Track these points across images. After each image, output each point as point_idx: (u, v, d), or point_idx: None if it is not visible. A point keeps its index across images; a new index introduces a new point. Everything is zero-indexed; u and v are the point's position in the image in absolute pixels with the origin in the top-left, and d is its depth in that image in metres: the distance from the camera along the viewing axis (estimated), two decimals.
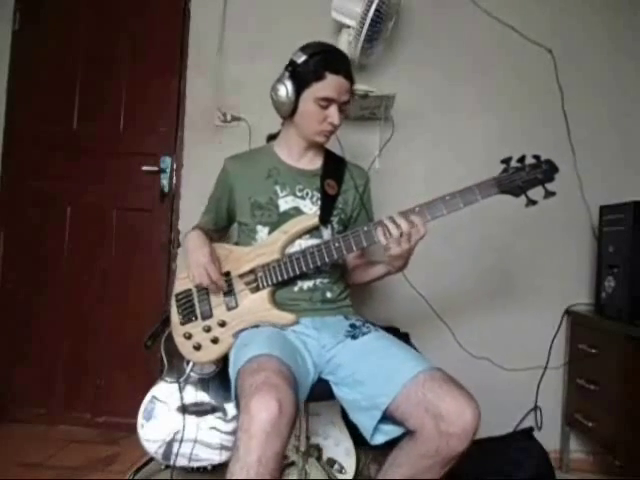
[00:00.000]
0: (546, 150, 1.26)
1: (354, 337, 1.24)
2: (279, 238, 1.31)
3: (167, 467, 1.70)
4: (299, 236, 1.33)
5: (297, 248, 1.32)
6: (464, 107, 2.09)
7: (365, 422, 1.14)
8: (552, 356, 2.02)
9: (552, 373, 2.02)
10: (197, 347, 1.32)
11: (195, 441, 1.60)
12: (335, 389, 1.22)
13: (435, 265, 1.97)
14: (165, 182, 2.18)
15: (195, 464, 1.61)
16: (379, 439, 1.13)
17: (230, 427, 1.60)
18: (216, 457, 1.60)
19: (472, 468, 1.02)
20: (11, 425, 2.15)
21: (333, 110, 1.30)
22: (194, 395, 1.64)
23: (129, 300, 2.19)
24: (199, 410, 1.63)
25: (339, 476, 1.64)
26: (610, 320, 1.77)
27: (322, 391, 1.22)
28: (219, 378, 1.64)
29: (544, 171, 1.21)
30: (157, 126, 2.19)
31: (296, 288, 1.32)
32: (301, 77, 1.28)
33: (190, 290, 1.35)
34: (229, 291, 1.32)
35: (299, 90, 1.29)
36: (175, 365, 1.66)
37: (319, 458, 1.61)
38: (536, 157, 1.22)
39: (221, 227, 1.50)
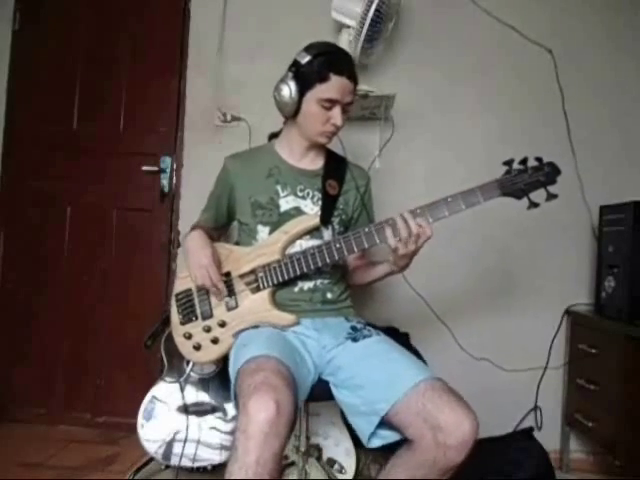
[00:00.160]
0: (546, 150, 1.26)
1: (355, 340, 1.24)
2: (280, 238, 1.31)
3: (167, 467, 1.70)
4: (300, 236, 1.32)
5: (298, 248, 1.31)
6: (464, 107, 2.09)
7: (363, 426, 1.14)
8: (552, 356, 2.02)
9: (552, 373, 2.02)
10: (197, 347, 1.32)
11: (195, 441, 1.60)
12: (335, 391, 1.21)
13: (435, 266, 1.96)
14: (165, 182, 2.18)
15: (195, 464, 1.61)
16: (375, 443, 1.13)
17: (230, 427, 1.60)
18: (216, 457, 1.60)
19: (472, 468, 1.01)
20: (11, 425, 2.15)
21: (336, 111, 1.29)
22: (194, 395, 1.64)
23: (129, 300, 2.19)
24: (199, 410, 1.63)
25: (339, 476, 1.64)
26: (610, 320, 1.76)
27: (322, 391, 1.22)
28: (219, 378, 1.64)
29: (546, 174, 1.21)
30: (157, 126, 2.19)
31: (296, 289, 1.32)
32: (305, 78, 1.27)
33: (190, 290, 1.35)
34: (229, 291, 1.31)
35: (302, 91, 1.28)
36: (175, 365, 1.66)
37: (319, 458, 1.62)
38: (538, 159, 1.22)
39: (221, 225, 1.50)
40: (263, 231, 1.35)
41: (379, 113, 1.97)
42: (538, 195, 1.22)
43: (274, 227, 1.33)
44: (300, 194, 1.36)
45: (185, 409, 1.61)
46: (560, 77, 2.04)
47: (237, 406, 1.03)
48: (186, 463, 1.60)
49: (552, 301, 2.03)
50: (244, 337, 1.26)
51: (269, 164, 1.39)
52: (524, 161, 1.21)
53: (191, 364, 1.65)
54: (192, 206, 1.51)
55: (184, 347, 1.35)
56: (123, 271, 2.20)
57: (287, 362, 1.08)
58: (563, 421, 2.02)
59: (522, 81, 2.07)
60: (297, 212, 1.35)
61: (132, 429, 1.64)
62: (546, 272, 2.05)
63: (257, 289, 1.30)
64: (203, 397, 1.64)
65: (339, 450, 1.67)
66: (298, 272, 1.27)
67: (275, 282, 1.28)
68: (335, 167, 1.42)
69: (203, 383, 1.65)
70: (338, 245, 1.25)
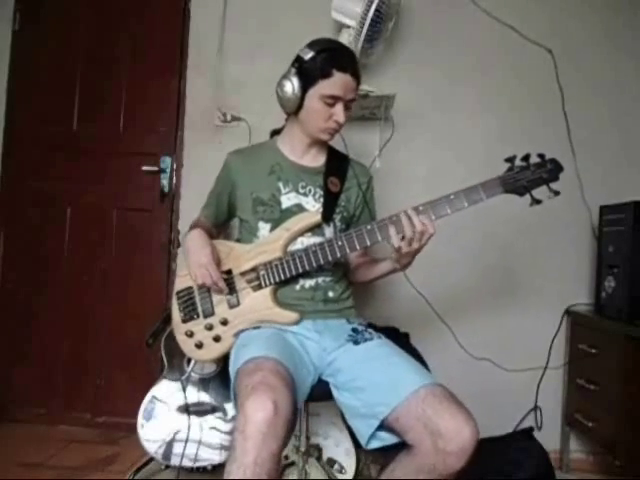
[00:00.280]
0: (546, 150, 1.25)
1: (356, 342, 1.23)
2: (281, 236, 1.30)
3: (167, 467, 1.70)
4: (301, 234, 1.32)
5: (299, 246, 1.31)
6: (464, 107, 2.09)
7: (362, 429, 1.13)
8: (552, 356, 2.02)
9: (552, 373, 2.02)
10: (199, 345, 1.32)
11: (195, 441, 1.60)
12: (335, 392, 1.21)
13: (436, 265, 1.96)
14: (165, 182, 2.18)
15: (195, 464, 1.61)
16: (374, 444, 1.13)
17: (230, 427, 1.60)
18: (216, 457, 1.60)
19: (472, 468, 1.01)
20: (11, 425, 2.15)
21: (339, 108, 1.29)
22: (194, 395, 1.64)
23: (129, 300, 2.19)
24: (199, 410, 1.63)
25: (339, 476, 1.64)
26: (610, 320, 1.76)
27: (322, 392, 1.22)
28: (219, 378, 1.64)
29: (549, 170, 1.20)
30: (157, 126, 2.19)
31: (298, 286, 1.31)
32: (308, 74, 1.27)
33: (191, 288, 1.34)
34: (231, 289, 1.31)
35: (305, 87, 1.27)
36: (175, 365, 1.66)
37: (319, 458, 1.62)
38: (541, 156, 1.21)
39: (221, 222, 1.49)
40: (264, 228, 1.34)
41: (379, 113, 1.97)
42: (540, 192, 1.22)
43: (275, 224, 1.33)
44: (302, 191, 1.36)
45: (186, 409, 1.61)
46: (560, 77, 2.05)
47: (236, 406, 1.03)
48: (186, 463, 1.60)
49: (552, 301, 2.03)
50: (244, 337, 1.26)
51: (271, 161, 1.38)
52: (526, 158, 1.21)
53: (192, 364, 1.65)
54: (192, 206, 1.51)
55: (186, 345, 1.35)
56: (123, 271, 2.20)
57: (286, 363, 1.08)
58: (563, 421, 2.02)
59: (522, 81, 2.07)
60: (298, 209, 1.34)
61: (132, 429, 1.64)
62: (546, 272, 2.05)
63: (259, 287, 1.30)
64: (203, 397, 1.64)
65: (339, 450, 1.67)
66: (300, 270, 1.26)
67: (277, 280, 1.28)
68: (337, 164, 1.42)
69: (203, 383, 1.65)
70: (340, 243, 1.24)
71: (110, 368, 2.18)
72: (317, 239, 1.31)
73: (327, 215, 1.33)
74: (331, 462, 1.65)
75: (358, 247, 1.24)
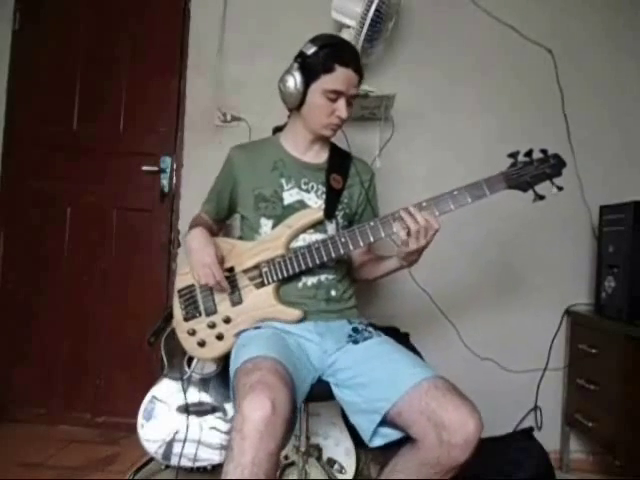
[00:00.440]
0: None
1: (355, 342, 1.23)
2: (283, 233, 1.30)
3: (167, 467, 1.70)
4: (303, 230, 1.31)
5: (301, 243, 1.31)
6: (464, 107, 2.09)
7: (364, 425, 1.13)
8: (552, 356, 2.02)
9: (552, 373, 2.02)
10: (201, 343, 1.32)
11: (195, 441, 1.60)
12: (335, 390, 1.21)
13: (438, 264, 1.96)
14: (165, 182, 2.18)
15: (195, 464, 1.61)
16: (377, 442, 1.13)
17: (230, 427, 1.60)
18: (216, 457, 1.61)
19: (472, 468, 1.01)
20: (11, 425, 2.15)
21: (341, 103, 1.28)
22: (195, 395, 1.64)
23: (129, 300, 2.19)
24: (200, 410, 1.63)
25: (339, 476, 1.64)
26: (610, 320, 1.76)
27: (322, 391, 1.22)
28: (219, 378, 1.64)
29: (552, 165, 1.20)
30: (157, 126, 2.19)
31: (300, 284, 1.30)
32: (310, 69, 1.26)
33: (193, 286, 1.34)
34: (233, 287, 1.30)
35: (308, 82, 1.27)
36: (175, 365, 1.66)
37: (319, 458, 1.62)
38: (543, 151, 1.21)
39: (222, 217, 1.48)
40: (266, 224, 1.34)
41: (379, 113, 1.97)
42: (542, 188, 1.21)
43: (277, 220, 1.32)
44: (304, 187, 1.35)
45: (186, 408, 1.61)
46: (560, 77, 2.05)
47: (235, 406, 1.03)
48: (186, 463, 1.60)
49: (552, 301, 2.03)
50: (244, 337, 1.25)
51: (274, 157, 1.38)
52: (529, 153, 1.21)
53: (193, 364, 1.65)
54: (192, 206, 1.51)
55: (188, 343, 1.34)
56: (123, 271, 2.20)
57: (285, 362, 1.08)
58: (563, 421, 2.02)
59: (522, 81, 2.07)
60: (301, 205, 1.34)
61: (132, 429, 1.64)
62: (546, 272, 2.05)
63: (261, 284, 1.29)
64: (203, 397, 1.64)
65: (339, 450, 1.67)
66: (303, 267, 1.25)
67: (280, 277, 1.27)
68: (339, 161, 1.41)
69: (203, 383, 1.65)
70: (343, 239, 1.24)
71: (110, 368, 2.18)
72: (319, 236, 1.31)
73: (329, 212, 1.33)
74: (331, 462, 1.65)
75: (361, 244, 1.24)
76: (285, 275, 1.27)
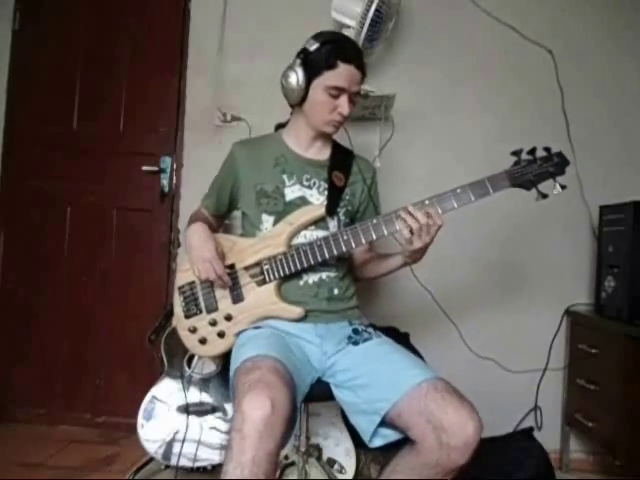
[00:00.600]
0: None
1: (355, 343, 1.23)
2: (285, 229, 1.29)
3: (167, 467, 1.70)
4: (305, 227, 1.31)
5: (302, 239, 1.30)
6: (464, 107, 2.09)
7: (364, 425, 1.13)
8: (552, 356, 2.02)
9: (552, 373, 2.02)
10: (203, 341, 1.31)
11: (195, 441, 1.60)
12: (335, 391, 1.21)
13: (438, 264, 1.96)
14: (165, 182, 2.18)
15: (195, 464, 1.61)
16: (377, 442, 1.13)
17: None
18: (216, 457, 1.60)
19: (472, 468, 1.01)
20: (11, 425, 2.15)
21: (343, 100, 1.28)
22: (195, 395, 1.64)
23: (129, 300, 2.19)
24: (200, 410, 1.63)
25: (339, 476, 1.64)
26: (610, 320, 1.76)
27: (322, 392, 1.22)
28: (219, 378, 1.64)
29: (556, 164, 1.20)
30: (157, 126, 2.19)
31: (301, 282, 1.29)
32: (313, 65, 1.26)
33: (194, 282, 1.33)
34: (234, 284, 1.30)
35: (310, 78, 1.27)
36: (175, 364, 1.66)
37: (319, 458, 1.62)
38: (547, 149, 1.21)
39: (222, 213, 1.47)
40: (268, 221, 1.33)
41: (379, 113, 1.97)
42: (544, 186, 1.21)
43: (279, 216, 1.32)
44: (306, 183, 1.35)
45: (186, 408, 1.61)
46: (560, 77, 2.05)
47: (234, 405, 1.03)
48: (186, 463, 1.60)
49: (552, 301, 2.03)
50: (244, 337, 1.25)
51: (276, 153, 1.37)
52: (533, 151, 1.20)
53: (193, 365, 1.65)
54: (192, 206, 1.50)
55: (189, 341, 1.34)
56: (123, 271, 2.20)
57: (285, 361, 1.08)
58: (563, 421, 2.02)
59: (522, 81, 2.07)
60: (302, 202, 1.33)
61: (132, 429, 1.63)
62: (546, 272, 2.05)
63: (263, 282, 1.28)
64: (203, 397, 1.64)
65: (339, 450, 1.67)
66: (305, 264, 1.25)
67: (282, 274, 1.26)
68: (342, 159, 1.41)
69: (203, 383, 1.65)
70: (345, 237, 1.24)
71: (110, 368, 2.18)
72: (321, 233, 1.30)
73: (331, 208, 1.32)
74: (331, 462, 1.65)
75: (364, 241, 1.24)
76: (287, 272, 1.26)
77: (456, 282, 2.05)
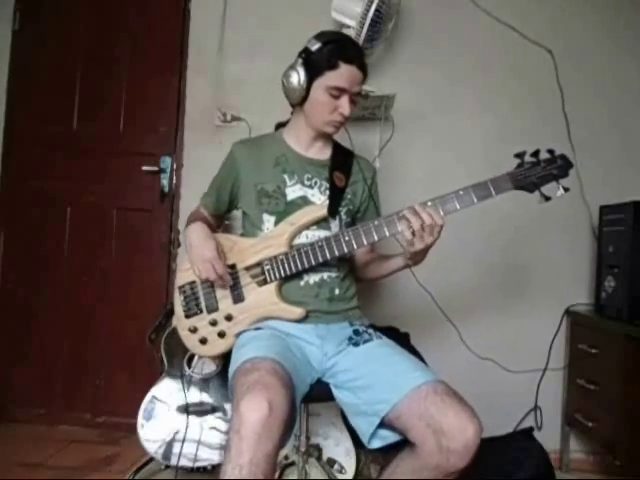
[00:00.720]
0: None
1: (356, 344, 1.23)
2: (286, 230, 1.29)
3: (167, 467, 1.70)
4: (306, 227, 1.30)
5: (304, 239, 1.30)
6: (464, 107, 2.09)
7: (363, 427, 1.13)
8: (552, 356, 2.02)
9: (552, 373, 2.02)
10: (203, 341, 1.31)
11: (196, 441, 1.60)
12: (335, 392, 1.21)
13: (439, 264, 1.95)
14: (165, 182, 2.18)
15: (195, 464, 1.61)
16: (376, 444, 1.13)
17: None
18: (216, 457, 1.60)
19: (472, 468, 1.01)
20: (11, 425, 2.15)
21: (344, 100, 1.28)
22: (195, 395, 1.64)
23: (129, 300, 2.19)
24: (200, 410, 1.63)
25: (339, 476, 1.64)
26: (610, 320, 1.76)
27: (322, 392, 1.22)
28: (219, 378, 1.64)
29: (559, 166, 1.19)
30: (157, 126, 2.19)
31: (302, 282, 1.29)
32: (314, 65, 1.26)
33: (194, 282, 1.33)
34: (235, 284, 1.29)
35: (311, 78, 1.26)
36: (175, 364, 1.66)
37: (319, 458, 1.61)
38: (550, 151, 1.20)
39: (221, 212, 1.46)
40: (269, 220, 1.33)
41: (379, 113, 1.97)
42: (547, 188, 1.21)
43: (280, 216, 1.31)
44: (307, 183, 1.34)
45: (186, 408, 1.61)
46: (560, 77, 2.05)
47: (233, 406, 1.03)
48: (186, 463, 1.60)
49: (552, 301, 2.03)
50: (244, 338, 1.25)
51: (276, 152, 1.37)
52: (536, 153, 1.20)
53: (193, 365, 1.65)
54: (192, 206, 1.50)
55: (189, 341, 1.33)
56: (123, 271, 2.20)
57: (284, 362, 1.08)
58: (563, 421, 2.01)
59: (522, 81, 2.07)
60: (303, 202, 1.33)
61: (132, 429, 1.63)
62: (546, 272, 2.05)
63: (264, 282, 1.28)
64: (203, 397, 1.64)
65: (339, 450, 1.67)
66: (306, 265, 1.24)
67: (282, 275, 1.26)
68: (342, 159, 1.41)
69: (204, 383, 1.65)
70: (347, 237, 1.23)
71: (110, 368, 2.18)
72: (322, 232, 1.30)
73: (333, 209, 1.32)
74: (331, 462, 1.65)
75: (365, 242, 1.23)
76: (288, 273, 1.26)
77: (456, 283, 2.05)
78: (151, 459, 1.70)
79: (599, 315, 1.86)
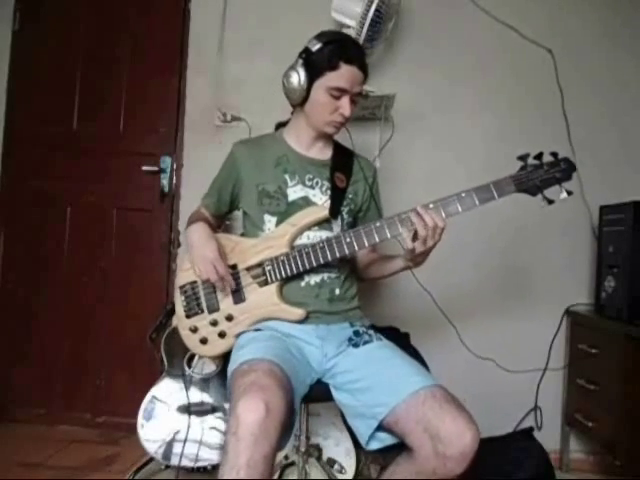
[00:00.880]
0: (546, 150, 1.26)
1: (356, 345, 1.23)
2: (287, 231, 1.29)
3: (167, 467, 1.70)
4: (308, 228, 1.30)
5: (306, 240, 1.30)
6: (464, 107, 2.09)
7: (361, 429, 1.13)
8: (552, 356, 2.02)
9: (552, 373, 2.02)
10: (204, 341, 1.31)
11: (195, 441, 1.60)
12: (334, 393, 1.21)
13: (439, 264, 1.96)
14: (165, 182, 2.18)
15: (195, 464, 1.61)
16: (374, 445, 1.13)
17: None
18: (216, 457, 1.60)
19: (472, 468, 1.01)
20: (11, 425, 2.15)
21: (345, 101, 1.27)
22: (195, 395, 1.64)
23: (129, 300, 2.19)
24: (200, 410, 1.63)
25: (339, 476, 1.64)
26: (610, 320, 1.76)
27: (322, 392, 1.22)
28: (219, 378, 1.64)
29: (562, 170, 1.19)
30: (157, 126, 2.19)
31: (303, 283, 1.29)
32: (315, 65, 1.25)
33: (195, 282, 1.33)
34: (236, 284, 1.29)
35: (312, 78, 1.26)
36: (175, 364, 1.66)
37: (319, 458, 1.62)
38: (554, 154, 1.20)
39: (222, 212, 1.46)
40: (270, 221, 1.33)
41: (379, 113, 1.97)
42: (550, 192, 1.20)
43: (281, 217, 1.31)
44: (308, 183, 1.34)
45: (188, 408, 1.61)
46: (559, 77, 2.05)
47: (230, 407, 1.03)
48: (186, 463, 1.60)
49: (552, 301, 2.03)
50: (243, 339, 1.25)
51: (277, 152, 1.36)
52: (539, 156, 1.19)
53: (193, 365, 1.65)
54: (192, 206, 1.50)
55: (190, 340, 1.33)
56: (123, 271, 2.20)
57: (282, 364, 1.07)
58: (563, 421, 2.02)
59: (521, 80, 2.07)
60: (305, 202, 1.32)
61: (132, 429, 1.63)
62: (546, 272, 2.05)
63: (265, 282, 1.28)
64: (203, 397, 1.64)
65: (339, 450, 1.67)
66: (307, 266, 1.24)
67: (283, 276, 1.26)
68: (343, 159, 1.41)
69: (203, 383, 1.65)
70: (348, 239, 1.23)
71: (110, 368, 2.18)
72: (324, 233, 1.30)
73: (335, 210, 1.32)
74: (331, 462, 1.65)
75: (366, 244, 1.23)
76: (289, 274, 1.26)
77: (456, 283, 2.05)
78: (151, 459, 1.70)
79: (599, 315, 1.86)
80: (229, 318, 1.29)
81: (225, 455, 0.93)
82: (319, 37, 1.29)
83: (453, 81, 2.08)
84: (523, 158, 1.20)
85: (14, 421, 2.17)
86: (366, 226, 1.23)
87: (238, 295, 1.30)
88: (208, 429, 1.61)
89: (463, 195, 1.18)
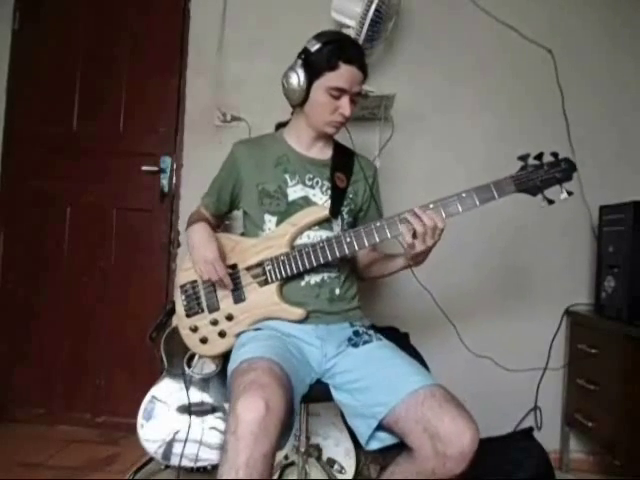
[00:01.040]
0: (546, 150, 1.26)
1: (355, 345, 1.23)
2: (288, 231, 1.29)
3: (167, 467, 1.70)
4: (308, 228, 1.30)
5: (306, 239, 1.30)
6: (464, 107, 2.09)
7: (361, 429, 1.13)
8: (552, 356, 2.02)
9: (552, 373, 2.02)
10: (204, 340, 1.31)
11: (195, 441, 1.60)
12: (334, 393, 1.21)
13: (439, 263, 1.96)
14: (165, 182, 2.18)
15: (195, 464, 1.61)
16: (374, 445, 1.13)
17: None
18: (216, 457, 1.60)
19: (472, 468, 1.01)
20: (11, 425, 2.15)
21: (345, 101, 1.27)
22: (195, 395, 1.64)
23: (129, 300, 2.19)
24: (200, 410, 1.63)
25: (339, 476, 1.64)
26: (610, 320, 1.76)
27: (322, 392, 1.22)
28: (219, 378, 1.64)
29: (563, 170, 1.19)
30: (157, 126, 2.19)
31: (303, 283, 1.29)
32: (314, 66, 1.25)
33: (195, 282, 1.33)
34: (236, 284, 1.29)
35: (311, 79, 1.26)
36: (175, 364, 1.66)
37: (319, 458, 1.62)
38: (554, 155, 1.20)
39: (222, 212, 1.46)
40: (270, 221, 1.33)
41: (379, 113, 1.97)
42: (550, 192, 1.20)
43: (282, 217, 1.31)
44: (309, 183, 1.34)
45: (189, 408, 1.61)
46: (559, 77, 2.05)
47: (229, 406, 1.03)
48: (186, 463, 1.60)
49: (552, 301, 2.03)
50: (243, 338, 1.25)
51: (278, 152, 1.36)
52: (539, 156, 1.19)
53: (193, 364, 1.65)
54: (192, 206, 1.50)
55: (190, 340, 1.34)
56: (123, 271, 2.20)
57: (282, 363, 1.07)
58: (563, 421, 2.02)
59: (521, 81, 2.07)
60: (305, 202, 1.32)
61: (132, 429, 1.64)
62: (546, 272, 2.05)
63: (265, 282, 1.28)
64: (203, 397, 1.64)
65: (339, 450, 1.67)
66: (307, 266, 1.24)
67: (284, 275, 1.26)
68: (343, 159, 1.41)
69: (204, 383, 1.65)
70: (349, 239, 1.23)
71: (110, 368, 2.18)
72: (324, 232, 1.30)
73: (335, 210, 1.32)
74: (331, 462, 1.65)
75: (367, 244, 1.23)
76: (289, 274, 1.26)
77: (456, 283, 2.05)
78: (151, 459, 1.70)
79: (599, 315, 1.86)
80: (229, 317, 1.29)
81: (224, 454, 0.93)
82: (318, 37, 1.29)
83: (453, 81, 2.08)
84: (523, 158, 1.20)
85: (14, 421, 2.17)
86: (366, 226, 1.23)
87: (238, 295, 1.30)
88: (208, 429, 1.61)
89: (463, 195, 1.18)
